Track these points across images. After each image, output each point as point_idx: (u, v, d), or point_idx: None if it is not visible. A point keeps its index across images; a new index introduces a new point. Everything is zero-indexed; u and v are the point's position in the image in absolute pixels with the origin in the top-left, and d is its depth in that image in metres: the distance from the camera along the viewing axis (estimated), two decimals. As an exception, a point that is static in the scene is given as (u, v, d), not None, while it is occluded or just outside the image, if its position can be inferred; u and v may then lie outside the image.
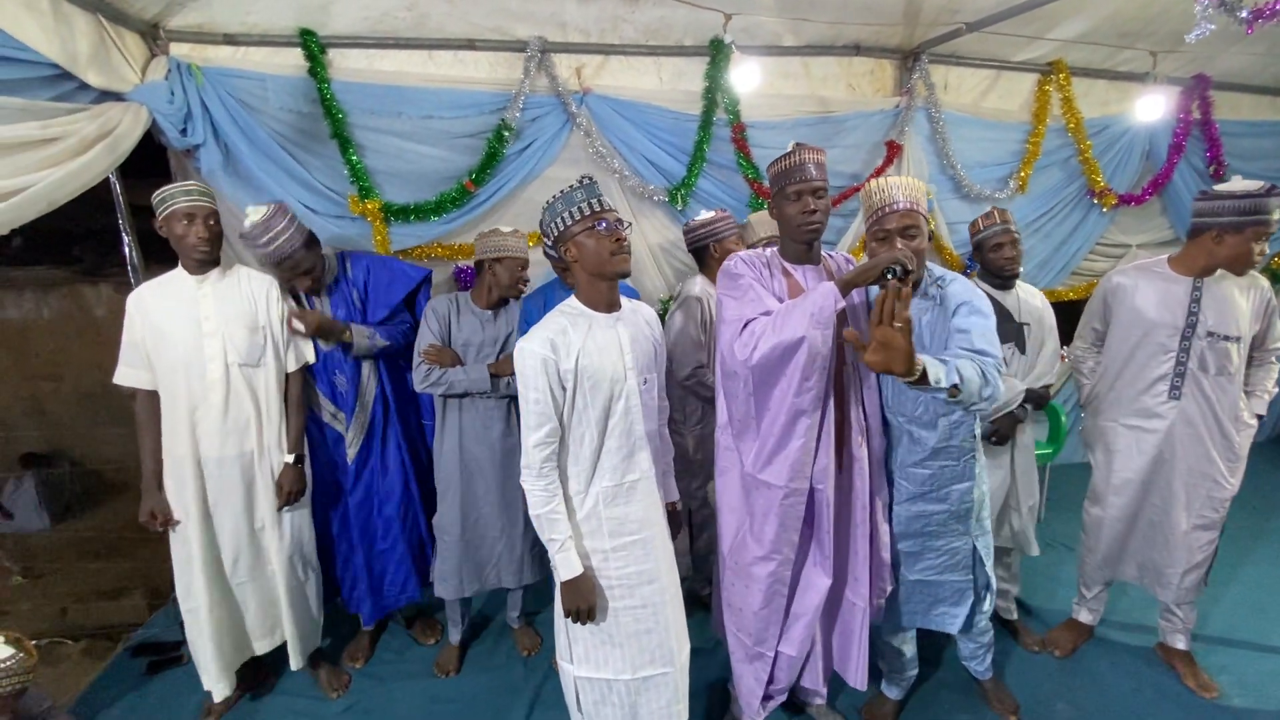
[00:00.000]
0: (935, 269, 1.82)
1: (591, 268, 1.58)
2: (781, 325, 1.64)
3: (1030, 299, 2.35)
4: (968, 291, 1.76)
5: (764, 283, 1.78)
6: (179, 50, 2.60)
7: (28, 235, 4.64)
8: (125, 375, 2.05)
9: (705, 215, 2.52)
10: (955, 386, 1.47)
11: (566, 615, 1.62)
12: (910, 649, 2.13)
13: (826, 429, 1.74)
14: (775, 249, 1.87)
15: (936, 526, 1.88)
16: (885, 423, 1.89)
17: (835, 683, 2.03)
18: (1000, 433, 2.30)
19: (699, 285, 2.50)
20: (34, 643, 2.25)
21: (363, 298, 2.40)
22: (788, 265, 1.83)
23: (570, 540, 1.60)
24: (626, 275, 1.61)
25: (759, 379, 1.71)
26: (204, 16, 2.59)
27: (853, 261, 1.95)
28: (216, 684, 2.17)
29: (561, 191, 1.58)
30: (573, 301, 1.65)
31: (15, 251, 4.70)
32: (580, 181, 1.57)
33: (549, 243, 2.25)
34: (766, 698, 1.97)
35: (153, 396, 2.06)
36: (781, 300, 1.76)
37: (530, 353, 1.53)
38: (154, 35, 2.55)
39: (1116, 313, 2.34)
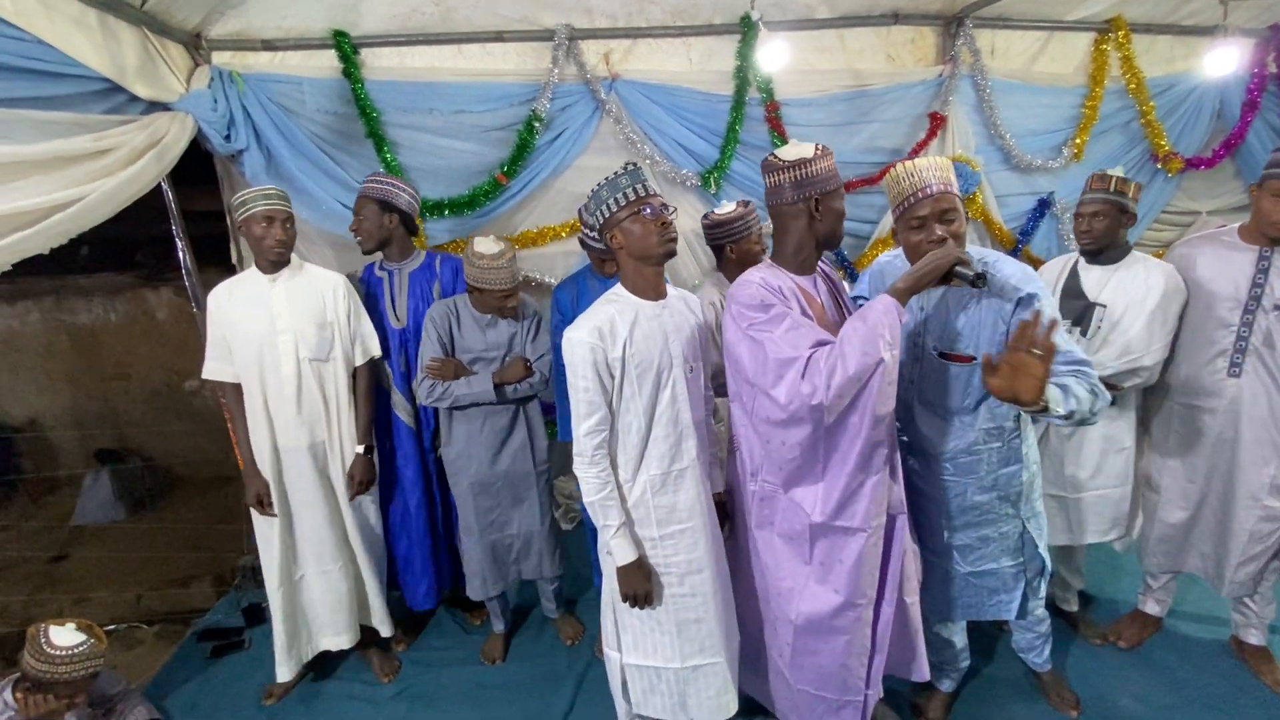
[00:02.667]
0: (974, 250, 1.72)
1: (637, 253, 1.58)
2: (847, 354, 1.44)
3: (1135, 280, 2.10)
4: (1023, 280, 1.62)
5: (787, 302, 1.58)
6: (220, 58, 2.69)
7: (93, 243, 4.90)
8: (212, 369, 2.16)
9: (724, 210, 2.29)
10: (1071, 412, 1.46)
11: (624, 600, 1.64)
12: (961, 639, 2.06)
13: (896, 454, 1.61)
14: (769, 263, 1.68)
15: (988, 514, 1.81)
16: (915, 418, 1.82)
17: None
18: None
19: (709, 287, 2.33)
20: (111, 628, 2.39)
21: (446, 296, 2.40)
22: (795, 278, 1.64)
23: (625, 526, 1.61)
24: (673, 256, 1.61)
25: (830, 419, 1.51)
26: (242, 24, 2.66)
27: (825, 264, 1.76)
28: (279, 666, 2.28)
29: (606, 179, 1.57)
30: (619, 289, 1.64)
31: (83, 260, 4.97)
32: (625, 168, 1.57)
33: (589, 232, 2.25)
34: None
35: (239, 388, 2.16)
36: (807, 314, 1.59)
37: (578, 342, 1.54)
38: (196, 45, 2.63)
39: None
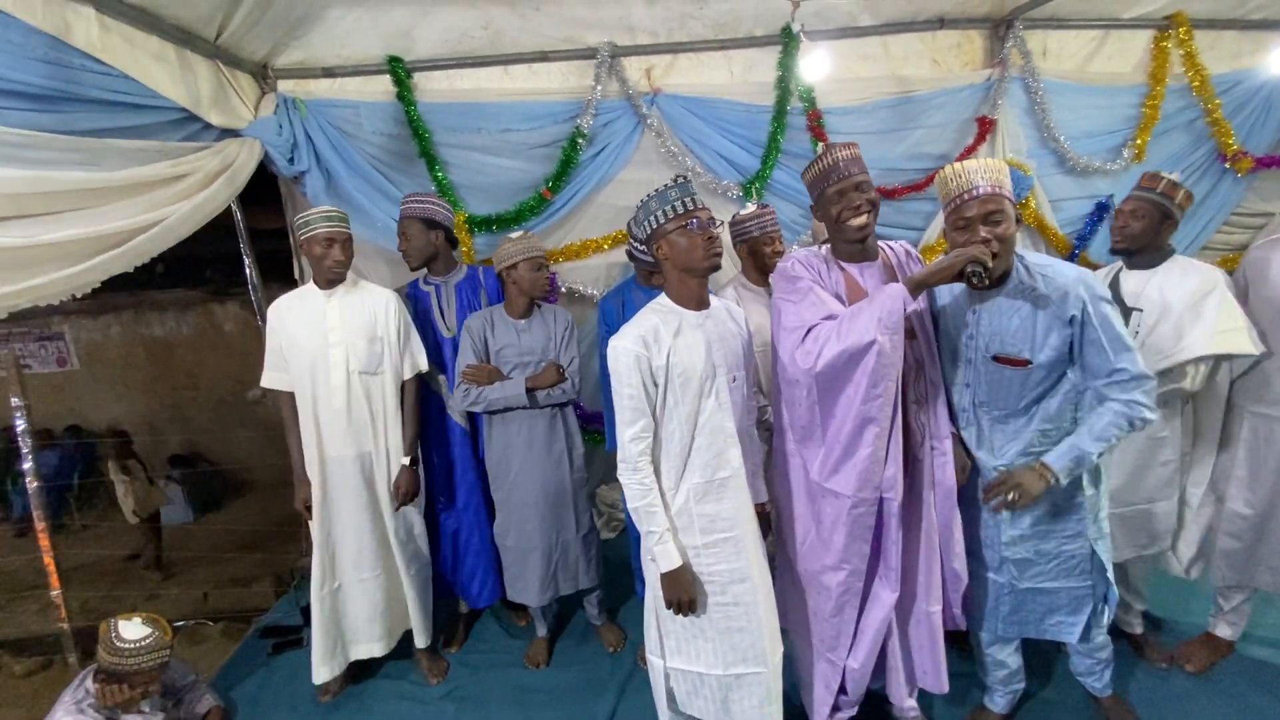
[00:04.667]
0: (1029, 255, 1.69)
1: (682, 264, 1.61)
2: (847, 330, 1.57)
3: (1170, 283, 2.02)
4: (1083, 286, 1.59)
5: (823, 283, 1.71)
6: (285, 86, 2.85)
7: (167, 261, 5.21)
8: (270, 379, 2.27)
9: (745, 211, 2.37)
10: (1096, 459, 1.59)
11: (668, 607, 1.65)
12: (1015, 660, 2.00)
13: (895, 437, 1.65)
14: (829, 247, 1.80)
15: (1044, 527, 1.76)
16: (972, 422, 1.79)
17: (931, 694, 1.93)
18: None
19: (729, 293, 2.35)
20: (180, 624, 2.52)
21: (493, 304, 2.49)
22: (844, 264, 1.75)
23: (669, 532, 1.62)
24: (717, 270, 1.64)
25: (823, 386, 1.65)
26: (305, 53, 2.83)
27: (913, 253, 1.85)
28: (316, 668, 2.33)
29: (656, 190, 1.61)
30: (663, 299, 1.68)
31: (159, 276, 5.30)
32: (675, 180, 1.61)
33: (635, 243, 2.29)
34: (835, 709, 1.90)
35: (294, 397, 2.26)
36: (841, 299, 1.69)
37: (624, 350, 1.58)
38: (263, 74, 2.81)
39: (1253, 288, 2.11)
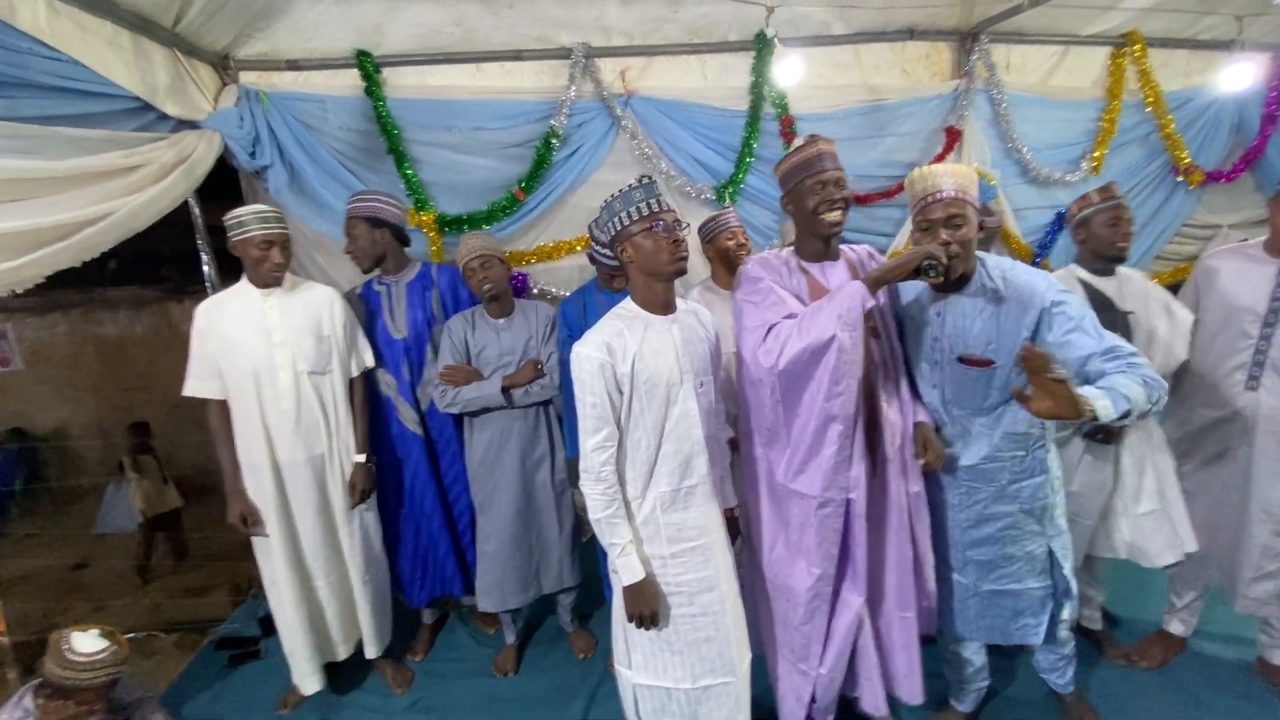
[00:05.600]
0: (991, 259, 1.73)
1: (648, 268, 1.56)
2: (808, 328, 1.59)
3: (1131, 282, 2.15)
4: (1046, 288, 1.63)
5: (784, 284, 1.72)
6: (247, 78, 2.76)
7: (121, 258, 5.01)
8: (195, 387, 2.15)
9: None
10: (1127, 412, 1.42)
11: (630, 620, 1.60)
12: (980, 658, 2.03)
13: (859, 436, 1.66)
14: (791, 249, 1.81)
15: (1010, 530, 1.78)
16: (943, 420, 1.81)
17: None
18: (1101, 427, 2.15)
19: (694, 296, 2.37)
20: (130, 635, 2.41)
21: (445, 304, 2.49)
22: (806, 264, 1.77)
23: (631, 545, 1.58)
24: (683, 274, 1.60)
25: (786, 385, 1.66)
26: (269, 44, 2.74)
27: (875, 255, 1.88)
28: (306, 679, 2.27)
29: (620, 191, 1.56)
30: (628, 304, 1.63)
31: (111, 274, 5.09)
32: (639, 181, 1.56)
33: (598, 246, 2.27)
34: (808, 718, 1.89)
35: (224, 406, 2.16)
36: (802, 300, 1.70)
37: (586, 357, 1.52)
38: (224, 65, 2.71)
39: (1205, 296, 2.21)
